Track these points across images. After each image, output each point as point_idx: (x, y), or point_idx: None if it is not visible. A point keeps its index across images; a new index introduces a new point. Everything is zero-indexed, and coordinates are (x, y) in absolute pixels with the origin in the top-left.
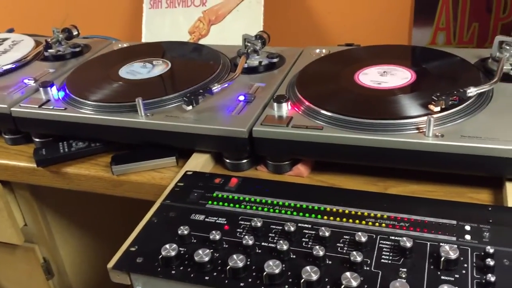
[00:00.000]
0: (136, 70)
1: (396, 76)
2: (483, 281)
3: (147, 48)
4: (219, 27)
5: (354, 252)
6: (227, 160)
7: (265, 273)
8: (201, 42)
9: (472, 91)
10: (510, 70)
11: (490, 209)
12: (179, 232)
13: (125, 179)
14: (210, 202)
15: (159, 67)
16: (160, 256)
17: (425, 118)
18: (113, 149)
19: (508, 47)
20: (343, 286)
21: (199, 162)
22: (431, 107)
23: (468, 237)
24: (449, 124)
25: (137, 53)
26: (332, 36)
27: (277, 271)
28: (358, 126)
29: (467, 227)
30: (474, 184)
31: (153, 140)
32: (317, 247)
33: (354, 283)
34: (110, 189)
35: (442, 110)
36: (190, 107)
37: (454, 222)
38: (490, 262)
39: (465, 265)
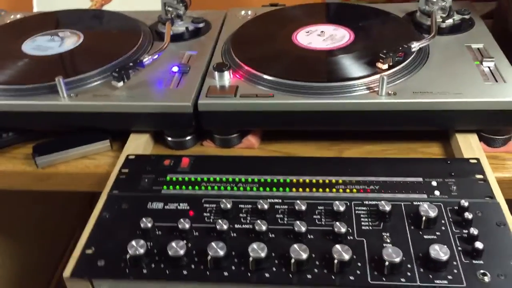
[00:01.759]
0: (43, 45)
1: (335, 36)
2: (465, 235)
3: (48, 18)
4: None
5: (338, 223)
6: (169, 138)
7: (251, 259)
8: (105, 8)
9: (415, 45)
10: (441, 22)
11: (448, 162)
12: (142, 225)
13: (52, 171)
14: (165, 187)
15: (70, 40)
16: (128, 256)
17: (375, 77)
18: (31, 137)
19: (434, 0)
20: (336, 261)
21: (140, 144)
22: (379, 65)
23: (437, 192)
24: (398, 81)
25: (37, 25)
26: None
27: (263, 254)
28: (310, 91)
29: (434, 183)
30: (423, 139)
31: (81, 124)
32: (298, 222)
33: (347, 256)
34: (35, 184)
35: (389, 68)
36: (121, 83)
37: (421, 179)
38: (469, 215)
39: (443, 221)
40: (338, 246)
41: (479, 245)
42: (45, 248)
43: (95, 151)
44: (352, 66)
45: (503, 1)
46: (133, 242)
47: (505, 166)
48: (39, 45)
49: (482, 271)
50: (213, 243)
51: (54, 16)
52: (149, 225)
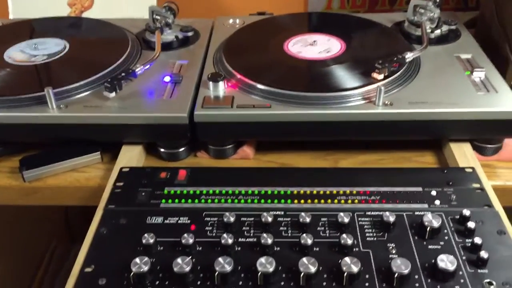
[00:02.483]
0: (27, 54)
1: (327, 46)
2: (468, 244)
3: (29, 26)
4: None
5: (344, 235)
6: (162, 150)
7: (259, 273)
8: (85, 15)
9: (409, 56)
10: (430, 33)
11: (445, 171)
12: (144, 241)
13: (40, 185)
14: (163, 200)
15: (55, 49)
16: (132, 274)
17: (371, 87)
18: (17, 150)
19: (423, 11)
20: (345, 274)
21: (133, 156)
22: (375, 75)
23: (437, 202)
24: (392, 92)
25: (17, 33)
26: (224, 4)
27: (271, 269)
28: (307, 101)
29: (433, 192)
30: (416, 148)
31: (71, 136)
32: (304, 235)
33: (355, 268)
34: (21, 199)
35: (384, 78)
36: (113, 94)
37: (420, 189)
38: (471, 225)
39: (445, 231)
40: (347, 259)
41: (484, 254)
42: (20, 262)
43: (85, 164)
44: (347, 76)
45: (486, 10)
46: (137, 259)
47: (496, 174)
48: (23, 54)
49: (487, 280)
50: (220, 259)
51: (35, 24)
52: (151, 240)
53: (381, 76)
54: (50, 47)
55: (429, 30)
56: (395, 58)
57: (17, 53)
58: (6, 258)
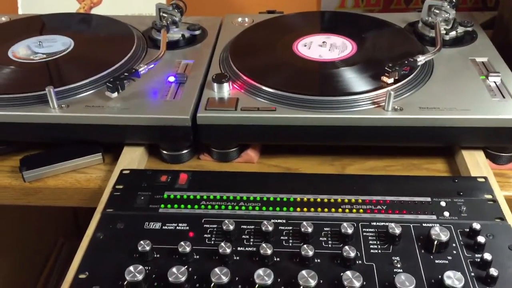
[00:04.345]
0: (31, 51)
1: (337, 46)
2: (477, 259)
3: (36, 22)
4: None
5: (347, 247)
6: (165, 152)
7: (257, 286)
8: (94, 11)
9: (421, 59)
10: (444, 34)
11: (456, 180)
12: (140, 248)
13: (40, 186)
14: (162, 205)
15: (60, 46)
16: (125, 282)
17: (381, 91)
18: (18, 149)
19: (437, 11)
20: None
21: (134, 158)
22: (385, 79)
23: (446, 213)
24: (403, 96)
25: (23, 29)
26: (235, 1)
27: (269, 281)
28: (313, 105)
29: (443, 203)
30: (427, 155)
31: (72, 136)
32: (305, 246)
33: (357, 284)
34: (21, 199)
35: (394, 82)
36: (115, 94)
37: (429, 199)
38: (481, 239)
39: (454, 245)
40: (348, 273)
41: (493, 272)
42: (27, 260)
43: (86, 165)
44: (356, 79)
45: (505, 11)
46: (131, 268)
47: (511, 184)
48: (27, 51)
49: None
50: (216, 269)
51: (42, 20)
52: (147, 248)
53: (391, 80)
54: (55, 44)
55: (443, 32)
56: (406, 61)
57: (22, 50)
58: (13, 255)
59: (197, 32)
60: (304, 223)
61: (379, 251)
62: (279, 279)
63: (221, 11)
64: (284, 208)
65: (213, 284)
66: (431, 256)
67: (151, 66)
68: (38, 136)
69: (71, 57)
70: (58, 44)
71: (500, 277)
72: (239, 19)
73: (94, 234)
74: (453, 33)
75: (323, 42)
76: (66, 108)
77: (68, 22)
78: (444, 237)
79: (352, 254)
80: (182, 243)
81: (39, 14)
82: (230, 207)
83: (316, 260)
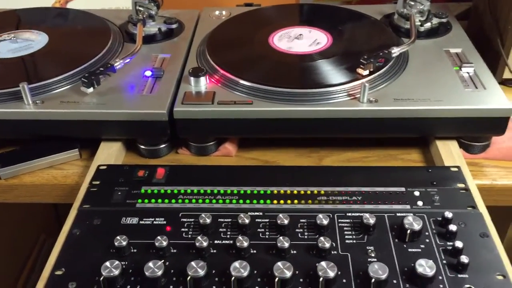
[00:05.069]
0: (4, 47)
1: (313, 39)
2: (449, 247)
3: (10, 16)
4: None
5: (322, 238)
6: (142, 147)
7: (233, 278)
8: (70, 5)
9: (396, 51)
10: (419, 26)
11: (430, 170)
12: (116, 243)
13: (16, 183)
14: (139, 200)
15: (35, 41)
16: (102, 278)
17: (356, 83)
18: None
19: (412, 3)
20: (321, 279)
21: (111, 153)
22: (360, 71)
23: (420, 203)
24: (378, 88)
25: None
26: None
27: (245, 273)
28: (290, 97)
29: (416, 193)
30: (403, 145)
31: (48, 132)
32: (281, 238)
33: (332, 273)
34: None
35: (369, 73)
36: (91, 89)
37: (403, 189)
38: (453, 227)
39: (427, 233)
40: (323, 263)
41: (464, 259)
42: (8, 257)
43: (63, 161)
44: (332, 72)
45: (479, 2)
46: (107, 263)
47: (484, 173)
48: (1, 47)
49: (467, 285)
50: (192, 263)
51: (16, 14)
52: (124, 243)
53: (366, 72)
54: (30, 39)
55: (418, 23)
56: (381, 53)
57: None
58: None
59: (174, 26)
60: (281, 215)
61: (354, 241)
62: (255, 271)
63: (199, 4)
64: (261, 201)
65: (189, 277)
66: (405, 245)
67: (127, 60)
68: (13, 132)
69: (46, 52)
70: (32, 39)
71: (470, 264)
72: (217, 12)
73: (70, 230)
74: (427, 25)
75: (300, 34)
76: (41, 104)
77: (44, 16)
78: (416, 226)
79: (327, 245)
80: (159, 237)
81: (14, 8)
82: (207, 200)
83: (292, 252)
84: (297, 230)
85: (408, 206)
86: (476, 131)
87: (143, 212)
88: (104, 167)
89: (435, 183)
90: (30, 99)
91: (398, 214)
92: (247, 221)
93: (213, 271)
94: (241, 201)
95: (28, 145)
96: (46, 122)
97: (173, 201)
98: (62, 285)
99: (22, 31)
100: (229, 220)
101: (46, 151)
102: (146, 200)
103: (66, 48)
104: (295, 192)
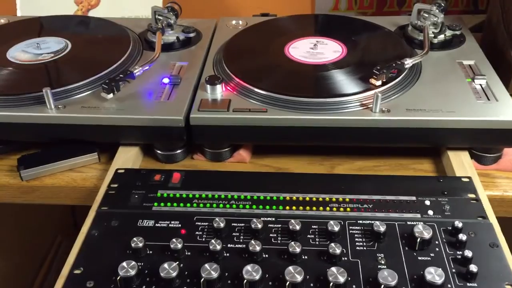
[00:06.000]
0: (29, 53)
1: (327, 49)
2: (459, 257)
3: (34, 24)
4: None
5: (333, 244)
6: (159, 152)
7: (245, 281)
8: (91, 14)
9: (409, 62)
10: (433, 38)
11: (441, 180)
12: (133, 245)
13: (38, 184)
14: (156, 203)
15: (57, 48)
16: (118, 278)
17: (369, 93)
18: (15, 149)
19: (426, 15)
20: (331, 284)
21: (129, 157)
22: (373, 81)
23: (430, 212)
24: (391, 98)
25: (22, 31)
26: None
27: (257, 277)
28: (304, 106)
29: (427, 202)
30: (414, 155)
31: (69, 136)
32: (292, 243)
33: (342, 279)
34: (18, 197)
35: (382, 84)
36: (111, 95)
37: (414, 198)
38: (463, 237)
39: (437, 242)
40: (333, 269)
41: (473, 268)
42: (25, 257)
43: (82, 164)
44: (345, 82)
45: (493, 15)
46: (124, 263)
47: (495, 184)
48: (25, 53)
49: None
50: (206, 265)
51: (39, 22)
52: (140, 244)
53: (379, 82)
54: (52, 46)
55: (432, 35)
56: (394, 64)
57: (20, 52)
58: (11, 252)
59: (192, 35)
60: (292, 221)
61: (365, 248)
62: (267, 275)
63: (216, 13)
64: (274, 207)
65: (203, 279)
66: (414, 253)
67: (146, 67)
68: (35, 136)
69: (68, 59)
70: (55, 46)
71: (479, 273)
72: (233, 22)
73: (89, 231)
74: (441, 37)
75: (314, 45)
76: (62, 108)
77: (66, 24)
78: (427, 234)
79: (338, 251)
80: (174, 240)
81: (38, 16)
82: (221, 205)
83: (303, 257)
84: (308, 236)
85: (418, 215)
86: (487, 142)
87: (159, 215)
88: (122, 171)
89: (446, 192)
90: (52, 104)
91: (409, 223)
92: (259, 226)
93: (226, 274)
94: (254, 206)
95: (50, 148)
96: (67, 126)
97: (188, 205)
98: (80, 283)
99: (46, 38)
100: (242, 224)
101: (67, 155)
102: (162, 204)
103: (87, 55)
104: (307, 198)
